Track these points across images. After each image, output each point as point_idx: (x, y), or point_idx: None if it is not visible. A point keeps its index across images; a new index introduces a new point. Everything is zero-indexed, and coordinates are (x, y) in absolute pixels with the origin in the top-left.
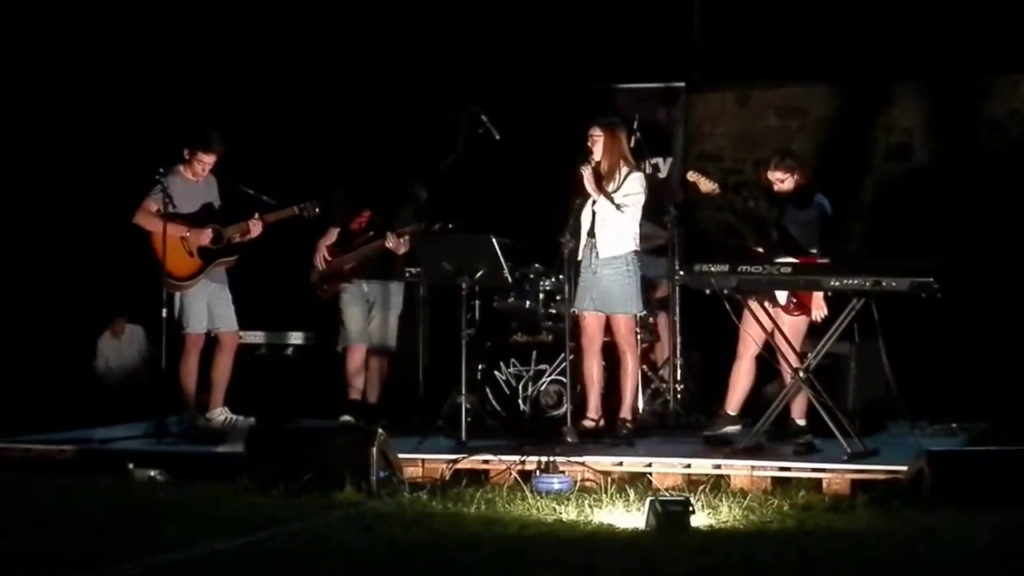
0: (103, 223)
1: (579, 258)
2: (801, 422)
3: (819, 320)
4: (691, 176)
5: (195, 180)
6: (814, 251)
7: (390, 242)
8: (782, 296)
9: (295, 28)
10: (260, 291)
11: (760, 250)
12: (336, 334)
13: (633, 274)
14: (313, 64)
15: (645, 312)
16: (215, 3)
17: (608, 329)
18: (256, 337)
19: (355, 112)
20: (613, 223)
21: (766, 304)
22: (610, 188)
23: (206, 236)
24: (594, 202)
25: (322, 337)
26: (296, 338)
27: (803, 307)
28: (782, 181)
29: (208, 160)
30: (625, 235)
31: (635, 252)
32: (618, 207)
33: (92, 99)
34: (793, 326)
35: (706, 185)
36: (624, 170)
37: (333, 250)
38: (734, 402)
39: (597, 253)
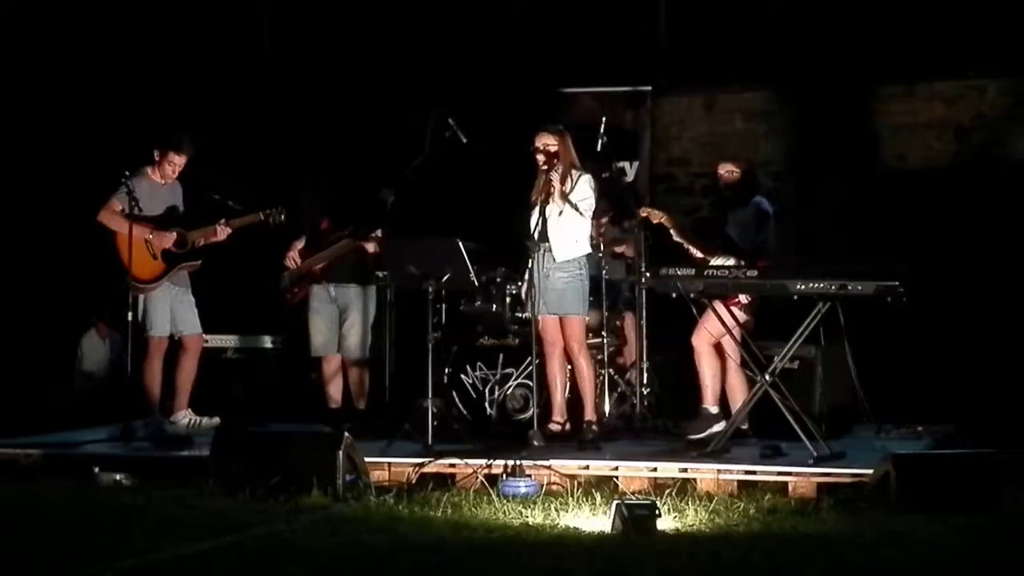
0: (75, 225)
1: (531, 264)
2: (713, 409)
3: (745, 302)
4: (643, 211)
5: (162, 182)
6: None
7: (370, 245)
8: None
9: (263, 33)
10: (228, 295)
11: (701, 255)
12: (305, 340)
13: (585, 277)
14: (281, 68)
15: (595, 317)
16: (183, 7)
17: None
18: (223, 341)
19: (322, 116)
20: (569, 227)
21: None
22: (565, 191)
23: (170, 239)
24: (544, 207)
25: (290, 341)
26: (264, 341)
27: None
28: (731, 172)
29: (179, 161)
30: (580, 238)
31: (588, 254)
32: (580, 212)
33: (65, 100)
34: (722, 312)
35: (657, 217)
36: (575, 174)
37: (303, 252)
38: (712, 395)
39: (553, 257)
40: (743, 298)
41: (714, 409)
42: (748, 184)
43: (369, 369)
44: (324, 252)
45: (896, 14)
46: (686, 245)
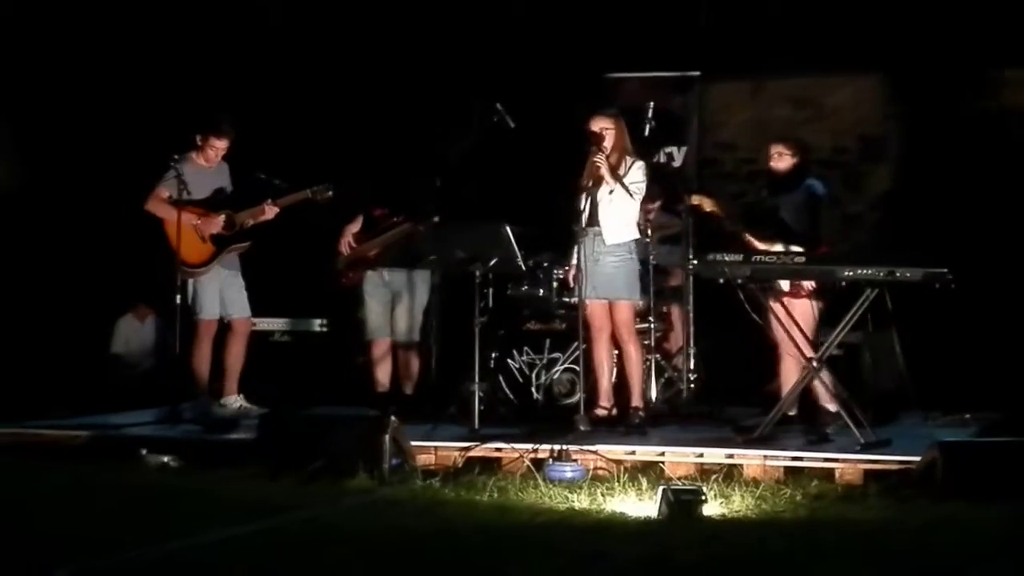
0: (120, 209)
1: (579, 249)
2: (832, 408)
3: (810, 290)
4: (695, 199)
5: (207, 166)
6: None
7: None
8: (784, 284)
9: (310, 18)
10: (276, 277)
11: (756, 241)
12: (352, 323)
13: (635, 262)
14: (328, 53)
15: (642, 301)
16: None
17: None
18: (271, 323)
19: (369, 100)
20: (620, 211)
21: (780, 297)
22: (619, 176)
23: (218, 222)
24: (594, 191)
25: (337, 324)
26: (312, 325)
27: (801, 286)
28: (780, 155)
29: (220, 145)
30: (630, 223)
31: (637, 239)
32: (631, 195)
33: (110, 87)
34: (802, 310)
35: (709, 205)
36: (628, 159)
37: (359, 236)
38: (825, 393)
39: (603, 240)
40: (807, 285)
41: (832, 407)
42: (800, 167)
43: (417, 353)
44: (379, 238)
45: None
46: (741, 233)
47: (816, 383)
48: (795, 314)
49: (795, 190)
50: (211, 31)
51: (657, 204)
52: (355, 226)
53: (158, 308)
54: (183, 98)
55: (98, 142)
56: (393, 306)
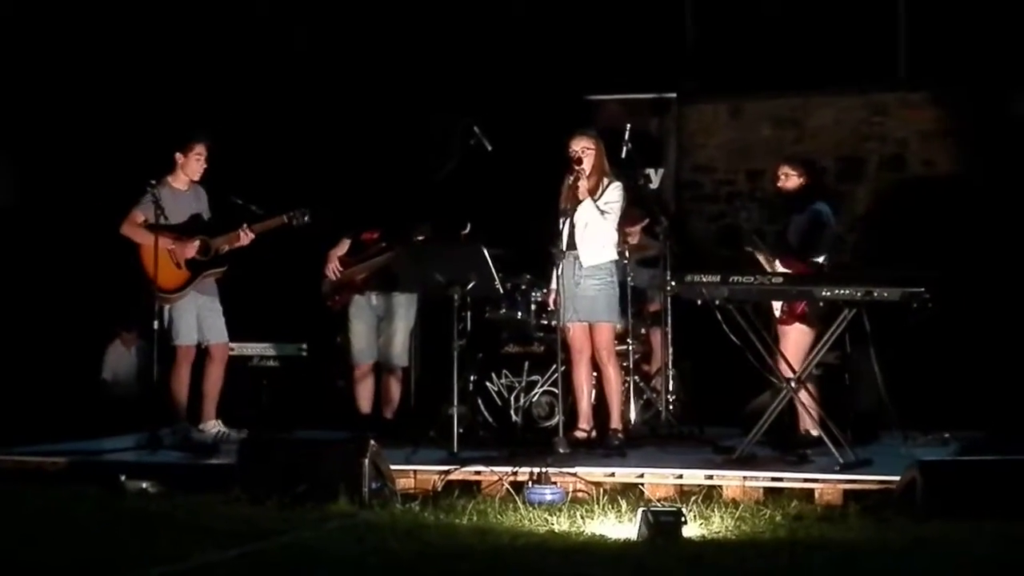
0: (103, 235)
1: (559, 272)
2: (815, 432)
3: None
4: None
5: (185, 189)
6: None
7: None
8: (776, 309)
9: (288, 39)
10: (255, 302)
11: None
12: (332, 346)
13: (615, 284)
14: (306, 75)
15: (621, 324)
16: (210, 15)
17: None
18: (250, 348)
19: (347, 122)
20: (596, 232)
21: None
22: (595, 197)
23: (193, 247)
24: (572, 213)
25: (317, 348)
26: (292, 349)
27: (794, 314)
28: (787, 176)
29: (203, 151)
30: (607, 244)
31: (616, 261)
32: (602, 213)
33: (92, 109)
34: (792, 336)
35: (762, 256)
36: (605, 180)
37: (345, 260)
38: (810, 420)
39: (580, 264)
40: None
41: (815, 432)
42: (807, 188)
43: (399, 378)
44: (367, 263)
45: (920, 19)
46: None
47: (799, 409)
48: (786, 339)
49: (802, 212)
50: (196, 55)
51: (639, 227)
52: (340, 250)
53: (141, 334)
54: (162, 126)
55: (82, 165)
56: (379, 330)
